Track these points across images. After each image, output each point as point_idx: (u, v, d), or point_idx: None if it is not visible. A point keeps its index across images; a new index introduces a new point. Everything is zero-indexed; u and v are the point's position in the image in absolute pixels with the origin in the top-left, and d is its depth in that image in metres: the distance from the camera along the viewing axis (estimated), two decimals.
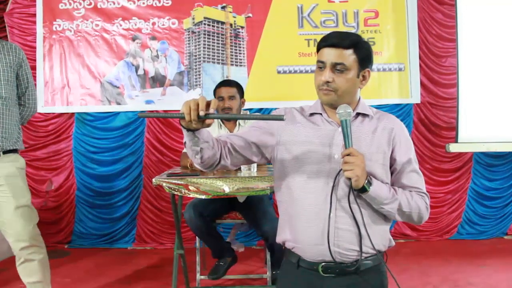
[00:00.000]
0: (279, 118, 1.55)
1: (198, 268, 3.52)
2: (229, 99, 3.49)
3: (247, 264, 4.19)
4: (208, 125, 1.56)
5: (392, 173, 1.81)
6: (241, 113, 3.58)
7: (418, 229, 4.83)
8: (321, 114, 1.85)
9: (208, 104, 1.51)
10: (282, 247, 3.32)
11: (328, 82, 1.74)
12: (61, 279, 3.86)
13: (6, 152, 2.83)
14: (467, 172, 4.94)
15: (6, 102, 2.82)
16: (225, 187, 2.79)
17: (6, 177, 2.78)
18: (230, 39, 4.86)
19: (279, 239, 1.90)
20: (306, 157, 1.78)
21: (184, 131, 1.63)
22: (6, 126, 2.81)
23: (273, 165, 1.92)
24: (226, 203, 3.49)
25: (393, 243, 1.86)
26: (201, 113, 1.48)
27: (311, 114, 1.87)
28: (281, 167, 1.85)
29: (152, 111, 4.84)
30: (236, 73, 4.81)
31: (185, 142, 1.70)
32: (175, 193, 2.85)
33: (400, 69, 4.83)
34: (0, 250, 4.23)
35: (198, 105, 1.49)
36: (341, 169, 1.68)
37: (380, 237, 1.78)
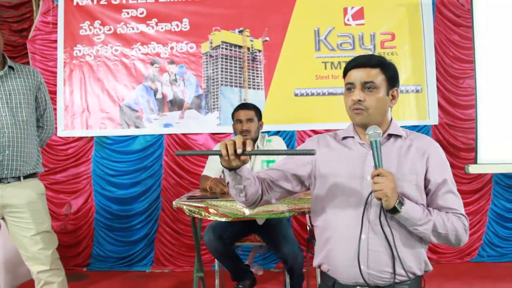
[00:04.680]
0: (310, 153, 1.60)
1: None
2: (247, 122, 3.52)
3: (266, 287, 4.16)
4: (245, 162, 1.63)
5: (427, 195, 1.80)
6: (259, 136, 3.60)
7: (438, 252, 4.77)
8: (353, 137, 1.87)
9: (244, 143, 1.58)
10: (301, 269, 3.34)
11: (359, 100, 1.76)
12: None
13: (26, 176, 2.86)
14: (487, 193, 4.88)
15: (27, 126, 2.86)
16: (245, 209, 2.78)
17: (27, 204, 2.80)
18: (248, 63, 4.91)
19: (315, 262, 1.92)
20: (339, 181, 1.81)
21: (226, 172, 1.70)
22: (26, 150, 2.84)
23: (311, 191, 1.95)
24: (245, 226, 3.48)
25: (430, 267, 1.84)
26: (239, 151, 1.56)
27: (344, 138, 1.90)
28: (316, 192, 1.89)
29: (170, 134, 4.89)
30: (253, 96, 4.85)
31: (228, 183, 1.76)
32: (195, 215, 2.85)
33: (417, 91, 4.83)
34: (21, 272, 4.25)
35: (234, 143, 1.57)
36: (372, 191, 1.69)
37: (414, 260, 1.77)
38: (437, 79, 4.85)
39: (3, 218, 2.85)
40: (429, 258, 4.71)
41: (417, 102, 4.83)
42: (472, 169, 4.41)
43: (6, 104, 2.79)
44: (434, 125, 4.85)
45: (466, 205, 4.73)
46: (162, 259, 4.91)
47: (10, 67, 2.87)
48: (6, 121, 2.77)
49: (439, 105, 4.85)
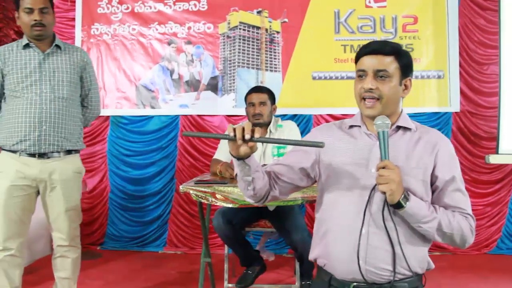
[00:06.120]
0: (319, 145, 1.56)
1: (226, 276, 3.49)
2: (260, 105, 3.46)
3: (277, 272, 4.13)
4: (252, 149, 1.59)
5: (433, 192, 1.72)
6: (272, 119, 3.53)
7: None
8: (360, 126, 1.80)
9: (252, 130, 1.54)
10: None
11: (371, 89, 1.69)
12: (91, 281, 3.90)
13: (66, 153, 2.92)
14: (508, 184, 4.71)
15: (67, 103, 2.92)
16: None
17: (61, 180, 2.88)
18: (265, 44, 4.82)
19: (311, 256, 1.86)
20: (342, 172, 1.74)
21: (235, 161, 1.66)
22: (65, 127, 2.90)
23: (317, 183, 1.89)
24: (256, 211, 3.44)
25: (432, 265, 1.77)
26: (247, 136, 1.52)
27: (351, 127, 1.83)
28: (320, 184, 1.83)
29: (186, 115, 4.86)
30: (270, 79, 4.77)
31: (236, 175, 1.73)
32: (202, 201, 2.83)
33: (439, 77, 4.68)
34: (36, 249, 4.31)
35: (243, 128, 1.53)
36: (376, 184, 1.62)
37: (417, 258, 1.69)
38: (460, 65, 4.68)
39: (38, 191, 2.93)
40: (445, 248, 4.63)
41: (438, 88, 4.68)
42: (493, 159, 4.26)
43: (48, 81, 2.86)
44: (455, 112, 4.69)
45: (486, 195, 4.68)
46: (175, 240, 4.92)
47: (57, 46, 2.94)
48: (45, 97, 2.84)
49: (461, 91, 4.69)
